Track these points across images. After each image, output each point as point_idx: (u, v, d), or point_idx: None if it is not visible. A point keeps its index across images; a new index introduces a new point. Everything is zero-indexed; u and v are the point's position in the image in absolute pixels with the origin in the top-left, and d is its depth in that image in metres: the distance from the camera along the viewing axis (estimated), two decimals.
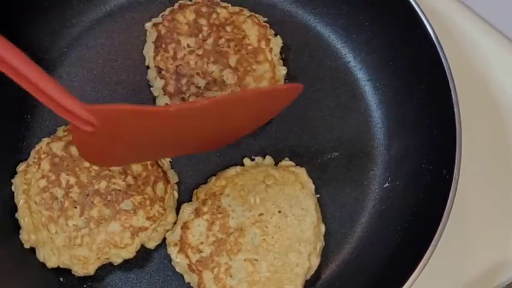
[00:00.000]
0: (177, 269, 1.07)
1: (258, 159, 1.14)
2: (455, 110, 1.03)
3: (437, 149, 1.08)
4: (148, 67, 1.16)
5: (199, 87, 1.12)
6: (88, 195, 1.05)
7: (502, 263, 1.15)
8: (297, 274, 1.04)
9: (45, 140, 1.10)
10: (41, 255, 1.05)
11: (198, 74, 1.13)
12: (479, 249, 1.16)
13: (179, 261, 1.05)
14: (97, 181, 1.06)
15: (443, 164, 1.04)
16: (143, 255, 1.09)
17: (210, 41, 1.15)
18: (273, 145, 1.15)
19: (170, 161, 1.13)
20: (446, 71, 1.05)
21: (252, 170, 1.11)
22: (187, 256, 1.05)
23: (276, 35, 1.19)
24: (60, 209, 1.04)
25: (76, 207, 1.05)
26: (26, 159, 1.10)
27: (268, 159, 1.14)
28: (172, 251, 1.06)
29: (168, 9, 1.18)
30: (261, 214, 1.07)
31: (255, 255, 1.05)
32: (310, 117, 1.17)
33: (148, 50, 1.16)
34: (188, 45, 1.15)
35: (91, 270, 1.04)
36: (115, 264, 1.06)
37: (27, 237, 1.05)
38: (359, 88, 1.20)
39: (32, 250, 1.05)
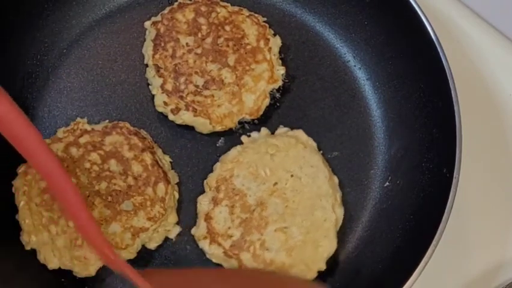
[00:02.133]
0: (214, 260, 1.08)
1: (254, 134, 1.14)
2: (455, 108, 1.03)
3: (437, 148, 1.08)
4: (146, 65, 1.16)
5: (197, 86, 1.13)
6: (88, 196, 1.05)
7: (502, 263, 1.15)
8: (328, 228, 1.06)
9: (46, 141, 1.10)
10: (41, 256, 1.04)
11: (196, 72, 1.13)
12: (479, 249, 1.16)
13: (214, 252, 1.06)
14: (97, 182, 1.06)
15: (443, 162, 1.04)
16: (144, 256, 1.08)
17: (208, 40, 1.15)
18: None
19: (170, 162, 1.13)
20: (446, 70, 1.05)
21: (252, 145, 1.11)
22: (219, 245, 1.06)
23: (275, 34, 1.19)
24: (61, 210, 1.04)
25: None
26: (26, 160, 1.10)
27: (264, 131, 1.15)
28: (204, 245, 1.06)
29: (168, 8, 1.18)
30: (276, 183, 1.08)
31: (284, 223, 1.06)
32: (309, 116, 1.17)
33: (147, 49, 1.16)
34: (187, 44, 1.15)
35: (91, 271, 1.04)
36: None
37: (28, 239, 1.04)
38: (358, 87, 1.20)
39: (33, 252, 1.05)
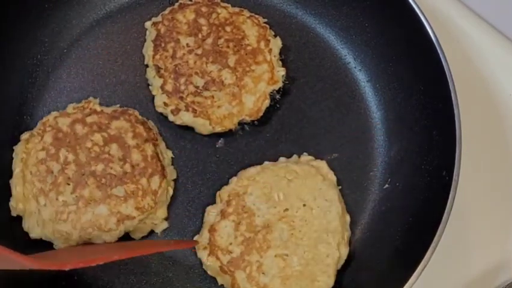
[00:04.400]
0: (209, 272, 1.08)
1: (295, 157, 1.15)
2: (455, 111, 1.03)
3: (436, 150, 1.08)
4: (147, 66, 1.16)
5: (197, 87, 1.13)
6: (83, 174, 1.07)
7: (502, 263, 1.15)
8: (328, 265, 1.05)
9: (54, 113, 1.12)
10: (26, 224, 1.06)
11: (196, 73, 1.13)
12: (479, 249, 1.16)
13: (210, 264, 1.06)
14: (95, 163, 1.07)
15: (443, 165, 1.04)
16: (143, 257, 1.09)
17: (209, 40, 1.15)
18: (272, 146, 1.16)
19: (172, 157, 1.14)
20: (446, 72, 1.05)
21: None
22: (217, 258, 1.06)
23: (275, 36, 1.19)
24: (53, 183, 1.06)
25: (68, 184, 1.06)
26: (31, 128, 1.12)
27: (306, 156, 1.15)
28: (203, 255, 1.07)
29: (168, 9, 1.18)
30: (286, 209, 1.07)
31: (285, 250, 1.05)
32: (309, 118, 1.17)
33: (147, 49, 1.16)
34: (187, 45, 1.15)
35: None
36: None
37: (16, 205, 1.07)
38: (358, 89, 1.20)
39: (19, 218, 1.07)
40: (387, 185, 1.13)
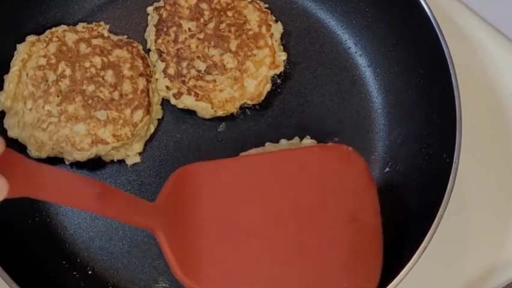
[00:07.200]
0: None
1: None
2: (455, 93, 1.03)
3: (437, 133, 1.08)
4: (149, 50, 1.17)
5: (199, 71, 1.13)
6: (73, 91, 1.10)
7: (502, 263, 1.15)
8: None
9: (64, 27, 1.16)
10: (7, 122, 1.09)
11: (198, 57, 1.14)
12: (478, 249, 1.16)
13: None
14: (88, 83, 1.10)
15: (443, 147, 1.04)
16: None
17: (211, 25, 1.16)
18: (274, 130, 1.16)
19: (163, 99, 1.16)
20: (446, 56, 1.05)
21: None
22: None
23: (276, 21, 1.19)
24: (45, 91, 1.09)
25: (58, 96, 1.09)
26: (37, 33, 1.15)
27: (308, 140, 1.15)
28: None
29: None
30: None
31: None
32: (310, 102, 1.18)
33: (150, 33, 1.17)
34: (189, 29, 1.16)
35: (43, 155, 1.08)
36: (67, 163, 1.10)
37: (4, 100, 1.09)
38: (359, 74, 1.20)
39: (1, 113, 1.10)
40: (387, 169, 1.14)
